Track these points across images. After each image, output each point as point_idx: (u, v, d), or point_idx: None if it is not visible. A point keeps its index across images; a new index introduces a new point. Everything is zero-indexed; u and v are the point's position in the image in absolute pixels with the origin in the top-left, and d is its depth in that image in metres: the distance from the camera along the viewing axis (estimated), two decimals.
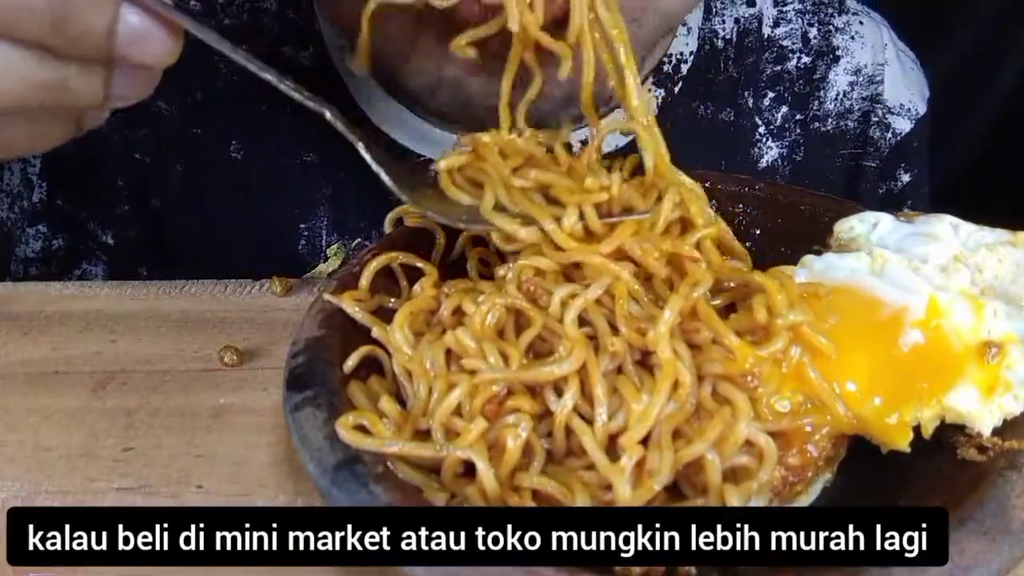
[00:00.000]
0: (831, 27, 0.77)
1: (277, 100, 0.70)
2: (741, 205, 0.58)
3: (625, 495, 0.39)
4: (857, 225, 0.51)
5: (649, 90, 0.72)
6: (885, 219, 0.51)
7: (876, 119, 0.78)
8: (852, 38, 0.78)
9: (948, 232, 0.49)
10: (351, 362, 0.46)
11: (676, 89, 0.73)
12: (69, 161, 0.72)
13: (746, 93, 0.76)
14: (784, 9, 0.77)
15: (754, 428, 0.41)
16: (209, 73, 0.71)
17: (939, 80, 0.85)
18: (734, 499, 0.40)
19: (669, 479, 0.40)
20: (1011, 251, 0.48)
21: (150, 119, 0.71)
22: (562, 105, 0.55)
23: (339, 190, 0.72)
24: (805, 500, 0.44)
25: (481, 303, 0.45)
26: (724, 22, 0.75)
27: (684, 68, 0.74)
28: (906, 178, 0.80)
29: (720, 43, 0.75)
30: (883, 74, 0.78)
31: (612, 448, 0.41)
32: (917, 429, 0.43)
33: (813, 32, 0.77)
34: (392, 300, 0.51)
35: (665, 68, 0.73)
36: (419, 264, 0.52)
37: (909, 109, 0.79)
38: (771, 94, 0.76)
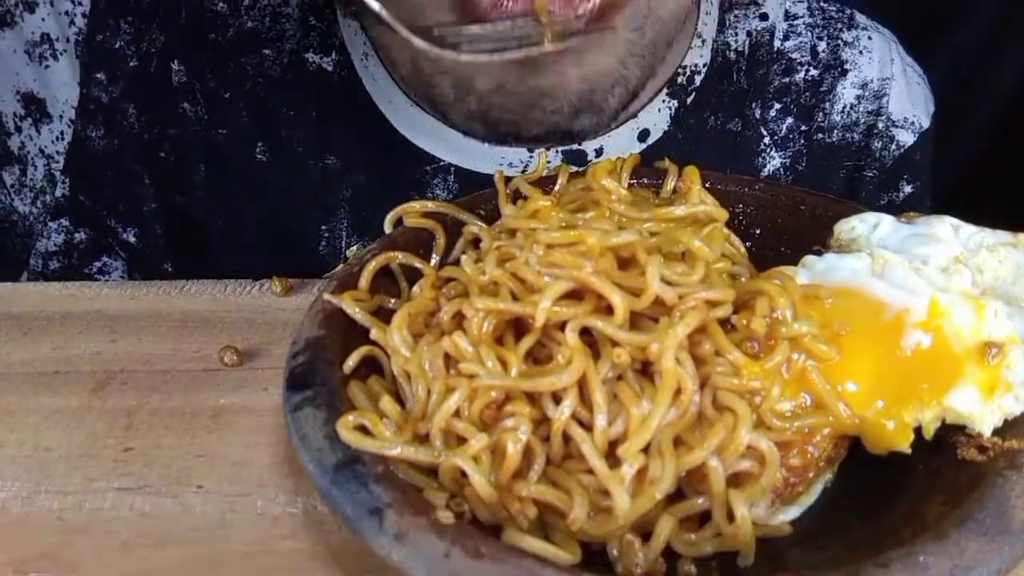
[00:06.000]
0: (840, 41, 0.78)
1: (301, 103, 0.72)
2: (741, 205, 0.58)
3: (624, 506, 0.39)
4: (858, 226, 0.51)
5: (664, 101, 0.73)
6: (886, 220, 0.51)
7: (879, 131, 0.78)
8: (860, 52, 0.78)
9: (949, 233, 0.49)
10: (351, 362, 0.46)
11: (689, 100, 0.74)
12: (93, 158, 0.73)
13: (753, 104, 0.76)
14: (794, 23, 0.78)
15: (756, 434, 0.41)
16: (236, 76, 0.72)
17: (939, 80, 0.85)
18: (740, 504, 0.39)
19: (672, 487, 0.40)
20: (1012, 252, 0.48)
21: (176, 119, 0.72)
22: None
23: (359, 193, 0.73)
24: (806, 500, 0.44)
25: (479, 308, 0.44)
26: (737, 35, 0.76)
27: (697, 80, 0.74)
28: (908, 189, 0.81)
29: (732, 55, 0.75)
30: (889, 88, 0.78)
31: (612, 453, 0.40)
32: (918, 430, 0.43)
33: (822, 46, 0.77)
34: (392, 300, 0.51)
35: (679, 80, 0.74)
36: (418, 264, 0.52)
37: (913, 123, 0.79)
38: (778, 105, 0.77)
